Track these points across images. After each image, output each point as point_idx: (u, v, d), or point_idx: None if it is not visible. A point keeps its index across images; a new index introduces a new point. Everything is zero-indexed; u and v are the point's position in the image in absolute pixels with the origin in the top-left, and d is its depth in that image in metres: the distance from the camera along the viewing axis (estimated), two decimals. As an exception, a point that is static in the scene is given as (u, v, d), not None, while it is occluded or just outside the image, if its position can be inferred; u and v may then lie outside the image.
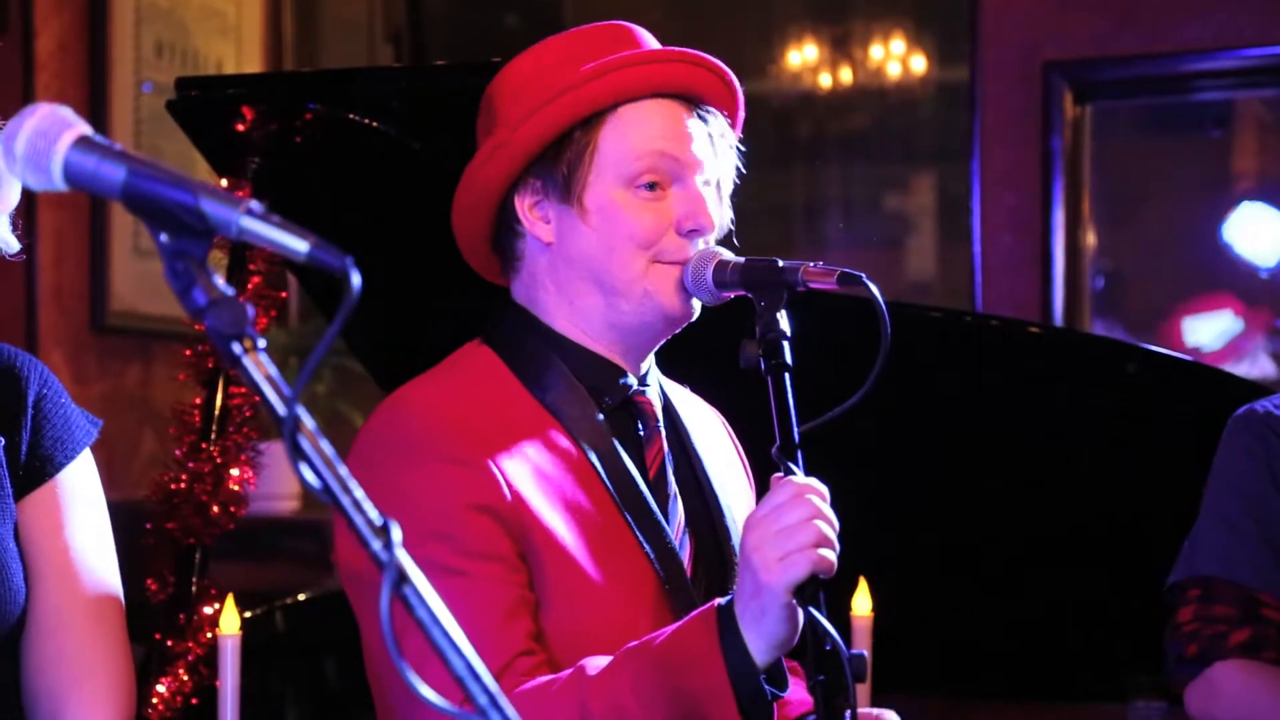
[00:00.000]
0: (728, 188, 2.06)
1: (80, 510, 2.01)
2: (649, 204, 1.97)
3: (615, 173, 1.96)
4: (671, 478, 2.04)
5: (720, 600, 1.81)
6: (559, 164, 1.97)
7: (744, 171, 2.07)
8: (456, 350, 2.08)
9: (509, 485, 1.90)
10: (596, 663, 1.83)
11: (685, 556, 2.01)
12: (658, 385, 2.10)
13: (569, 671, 1.84)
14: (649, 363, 2.09)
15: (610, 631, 1.88)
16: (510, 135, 1.96)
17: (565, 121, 1.95)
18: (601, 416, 2.00)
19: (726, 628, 1.77)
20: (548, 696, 1.81)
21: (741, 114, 2.07)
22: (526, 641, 1.87)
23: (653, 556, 1.95)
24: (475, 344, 2.08)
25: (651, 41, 2.06)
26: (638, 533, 1.95)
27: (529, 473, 1.92)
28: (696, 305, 2.02)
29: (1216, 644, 2.33)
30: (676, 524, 2.02)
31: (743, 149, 2.07)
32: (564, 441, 1.97)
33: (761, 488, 1.85)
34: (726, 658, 1.76)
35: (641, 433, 2.04)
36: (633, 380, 2.04)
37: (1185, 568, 2.42)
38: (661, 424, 2.06)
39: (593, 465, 1.96)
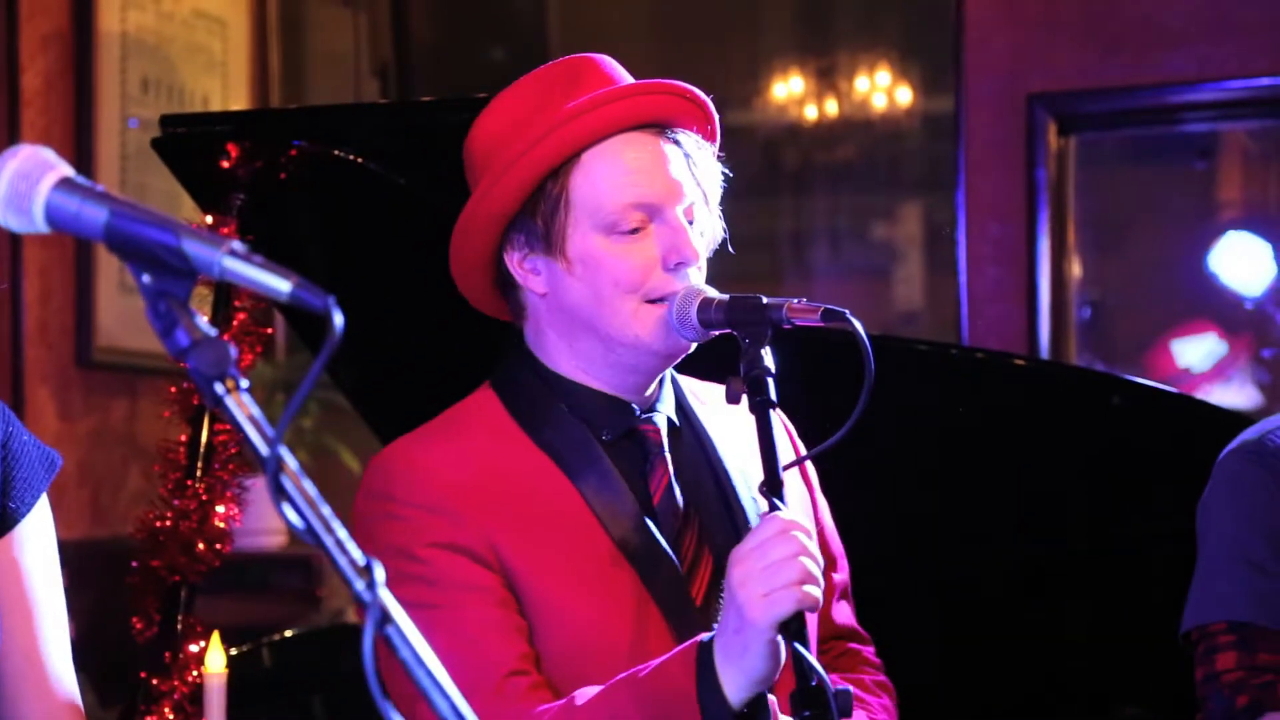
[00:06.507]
0: (715, 196, 2.03)
1: (41, 554, 1.95)
2: (631, 246, 1.95)
3: (591, 221, 1.95)
4: (680, 498, 2.01)
5: (704, 636, 1.82)
6: (535, 217, 1.96)
7: (727, 182, 2.05)
8: (468, 396, 2.07)
9: (491, 538, 1.91)
10: (587, 693, 1.85)
11: (702, 576, 1.99)
12: (669, 406, 2.07)
13: (563, 700, 1.85)
14: (655, 385, 2.06)
15: (609, 670, 1.87)
16: (481, 200, 1.96)
17: (533, 178, 1.94)
18: (601, 450, 1.99)
19: (704, 668, 1.78)
20: None
21: (715, 120, 2.04)
22: (519, 662, 1.87)
23: (652, 588, 1.94)
24: (484, 388, 2.08)
25: (618, 69, 2.03)
26: (635, 567, 1.94)
27: (515, 522, 1.93)
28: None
29: (1268, 694, 2.21)
30: (686, 546, 2.00)
31: (723, 162, 2.05)
32: (558, 481, 1.97)
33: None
34: (702, 704, 1.77)
35: (647, 460, 2.02)
36: (636, 409, 2.03)
37: (1211, 610, 2.29)
38: (667, 447, 2.03)
39: (587, 504, 1.96)
